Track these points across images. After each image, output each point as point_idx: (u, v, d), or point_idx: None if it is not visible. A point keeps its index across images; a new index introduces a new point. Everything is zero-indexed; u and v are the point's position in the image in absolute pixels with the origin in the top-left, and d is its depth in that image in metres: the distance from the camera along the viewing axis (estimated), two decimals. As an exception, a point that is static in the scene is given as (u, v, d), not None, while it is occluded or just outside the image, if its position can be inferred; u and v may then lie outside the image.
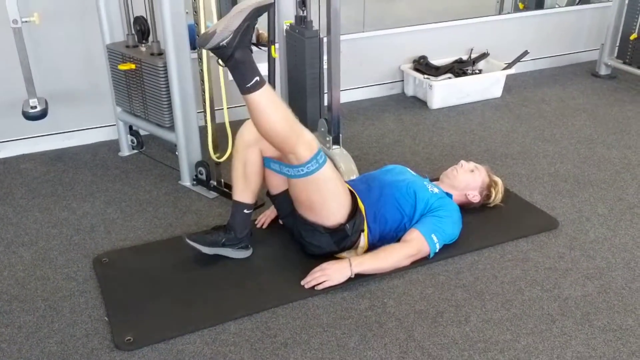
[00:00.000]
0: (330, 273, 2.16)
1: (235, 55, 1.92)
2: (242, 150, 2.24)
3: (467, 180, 2.54)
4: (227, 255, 2.28)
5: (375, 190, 2.32)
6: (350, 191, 2.27)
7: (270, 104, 2.01)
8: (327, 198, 2.16)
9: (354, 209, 2.23)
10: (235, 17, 1.89)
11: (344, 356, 1.89)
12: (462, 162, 2.59)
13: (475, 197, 2.54)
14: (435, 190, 2.40)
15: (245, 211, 2.28)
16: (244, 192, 2.27)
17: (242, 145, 2.24)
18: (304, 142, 2.04)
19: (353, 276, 2.17)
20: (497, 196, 2.60)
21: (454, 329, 1.99)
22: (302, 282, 2.16)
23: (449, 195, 2.46)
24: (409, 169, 2.56)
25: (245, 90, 1.96)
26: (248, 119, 2.15)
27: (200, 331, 1.97)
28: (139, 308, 2.06)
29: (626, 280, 2.23)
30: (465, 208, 2.51)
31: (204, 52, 2.56)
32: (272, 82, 3.01)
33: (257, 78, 1.96)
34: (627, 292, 2.17)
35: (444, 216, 2.31)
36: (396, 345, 1.92)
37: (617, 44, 4.20)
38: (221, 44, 1.88)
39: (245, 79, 1.95)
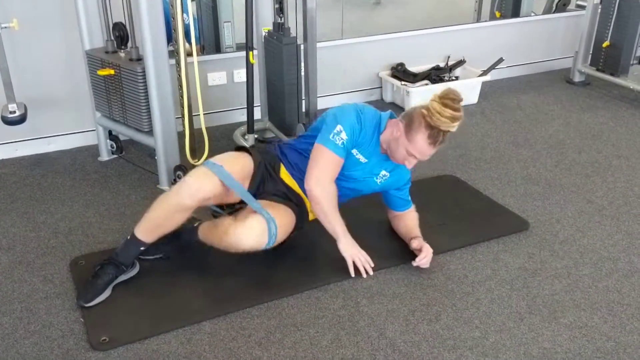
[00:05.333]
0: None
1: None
2: (174, 208, 2.11)
3: (393, 149, 2.27)
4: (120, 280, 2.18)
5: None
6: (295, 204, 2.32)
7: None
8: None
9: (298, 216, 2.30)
10: None
11: (316, 354, 1.92)
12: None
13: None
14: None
15: (142, 249, 2.18)
16: (150, 235, 2.16)
17: (176, 204, 2.10)
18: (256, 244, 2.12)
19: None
20: (442, 118, 2.08)
21: (425, 327, 2.04)
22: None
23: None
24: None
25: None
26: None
27: (175, 331, 2.00)
28: (115, 309, 2.08)
29: (593, 279, 2.29)
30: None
31: (182, 58, 2.59)
32: (250, 87, 3.06)
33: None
34: (594, 291, 2.23)
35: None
36: (368, 343, 1.97)
37: (591, 52, 4.30)
38: None
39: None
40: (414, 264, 2.28)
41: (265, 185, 2.29)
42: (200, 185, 2.08)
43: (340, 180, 2.31)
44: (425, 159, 2.24)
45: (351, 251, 2.27)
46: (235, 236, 2.10)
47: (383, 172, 2.35)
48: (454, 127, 2.11)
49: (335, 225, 2.25)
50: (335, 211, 2.26)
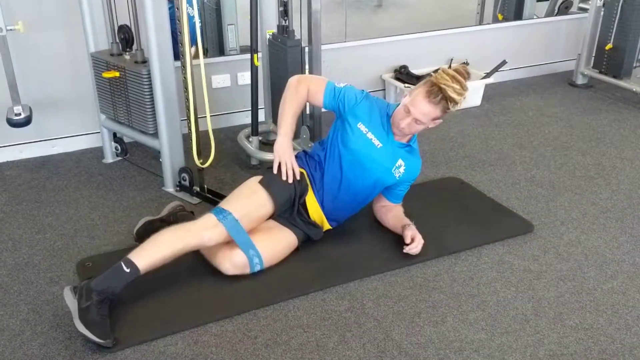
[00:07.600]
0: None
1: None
2: (180, 252, 2.11)
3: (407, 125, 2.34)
4: None
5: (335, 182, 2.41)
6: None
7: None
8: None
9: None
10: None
11: (323, 356, 1.93)
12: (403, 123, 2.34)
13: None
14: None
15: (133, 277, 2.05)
16: (149, 268, 2.07)
17: (182, 248, 2.11)
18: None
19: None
20: (444, 75, 2.26)
21: (431, 329, 2.04)
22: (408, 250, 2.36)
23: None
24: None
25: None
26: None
27: (181, 332, 2.00)
28: (121, 311, 2.08)
29: (598, 281, 2.30)
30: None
31: (187, 59, 2.60)
32: (254, 89, 3.07)
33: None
34: (599, 293, 2.23)
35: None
36: (374, 345, 1.97)
37: (593, 54, 4.31)
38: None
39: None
40: (404, 250, 2.35)
41: (284, 212, 2.36)
42: (209, 238, 2.15)
43: (362, 174, 2.38)
44: (417, 116, 2.28)
45: (282, 151, 2.33)
46: (219, 264, 2.24)
47: (399, 162, 2.41)
48: (451, 89, 2.23)
49: (285, 120, 2.36)
50: (292, 110, 2.37)
